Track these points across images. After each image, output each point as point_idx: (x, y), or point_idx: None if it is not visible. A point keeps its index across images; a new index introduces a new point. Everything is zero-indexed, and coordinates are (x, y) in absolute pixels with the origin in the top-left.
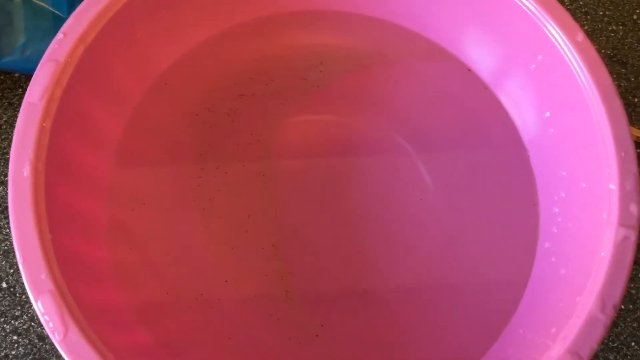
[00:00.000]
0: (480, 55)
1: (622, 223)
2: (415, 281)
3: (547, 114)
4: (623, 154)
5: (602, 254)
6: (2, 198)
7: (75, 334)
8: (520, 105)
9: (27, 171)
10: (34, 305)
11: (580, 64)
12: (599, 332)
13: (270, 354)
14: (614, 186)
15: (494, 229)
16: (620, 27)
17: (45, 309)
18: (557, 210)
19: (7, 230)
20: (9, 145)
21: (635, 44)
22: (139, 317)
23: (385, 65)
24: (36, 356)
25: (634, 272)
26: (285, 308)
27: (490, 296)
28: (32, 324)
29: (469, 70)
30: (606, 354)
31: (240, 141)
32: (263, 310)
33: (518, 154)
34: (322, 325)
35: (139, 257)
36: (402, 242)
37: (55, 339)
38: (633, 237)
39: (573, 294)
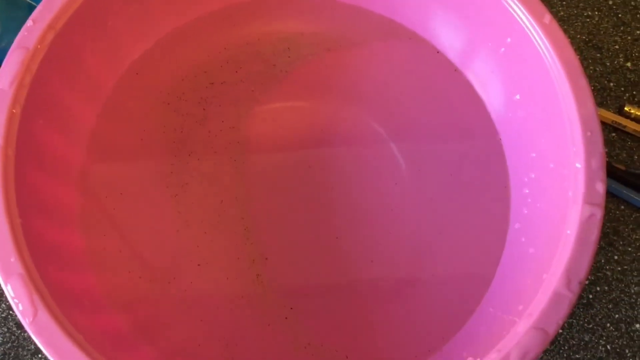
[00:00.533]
0: (449, 37)
1: (588, 201)
2: (388, 266)
3: (517, 97)
4: (589, 133)
5: (568, 232)
6: None
7: (44, 315)
8: (491, 88)
9: None
10: (4, 289)
11: (548, 45)
12: (564, 308)
13: (240, 335)
14: (580, 165)
15: (466, 212)
16: (596, 13)
17: (14, 292)
18: (527, 191)
19: None
20: None
21: (611, 29)
22: (112, 301)
23: (353, 49)
24: (14, 344)
25: (609, 255)
26: (255, 291)
27: (463, 278)
28: (10, 312)
29: (438, 52)
30: (581, 335)
31: (212, 128)
32: (234, 293)
33: (490, 137)
34: (291, 308)
35: (112, 242)
36: (376, 228)
37: (25, 322)
38: (599, 214)
39: (540, 272)
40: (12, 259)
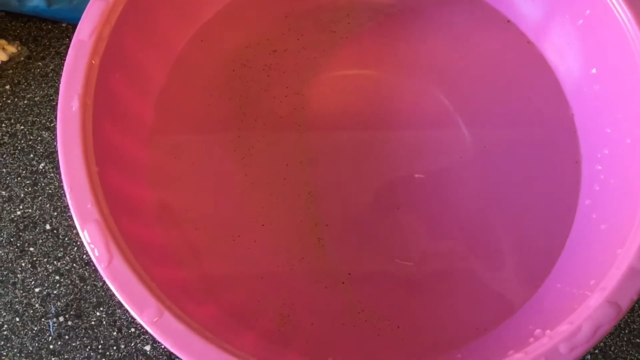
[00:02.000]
0: (523, 7)
1: None
2: (449, 240)
3: (593, 71)
4: None
5: None
6: (47, 144)
7: (119, 262)
8: (566, 61)
9: (75, 105)
10: (80, 234)
11: (630, 18)
12: (639, 283)
13: (297, 295)
14: None
15: (534, 187)
16: None
17: (91, 237)
18: (599, 167)
19: (52, 175)
20: (56, 92)
21: None
22: (177, 255)
23: (412, 14)
24: (77, 296)
25: None
26: (315, 254)
27: (529, 253)
28: (74, 265)
29: (508, 21)
30: None
31: (276, 95)
32: (295, 254)
33: (561, 112)
34: (349, 274)
35: (179, 199)
36: (438, 201)
37: (100, 267)
38: None
39: (613, 248)
40: (89, 206)
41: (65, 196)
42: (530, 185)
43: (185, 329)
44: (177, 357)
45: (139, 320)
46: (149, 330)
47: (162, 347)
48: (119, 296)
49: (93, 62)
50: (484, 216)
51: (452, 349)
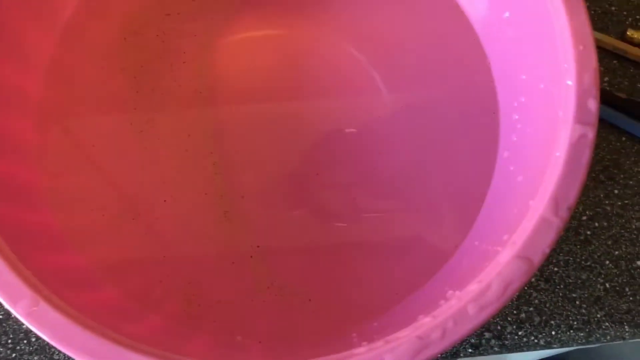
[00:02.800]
0: None
1: (579, 120)
2: (365, 202)
3: (506, 15)
4: (581, 47)
5: (557, 154)
6: None
7: None
8: (478, 7)
9: None
10: None
11: None
12: (551, 235)
13: (204, 272)
14: (571, 82)
15: (453, 142)
16: None
17: None
18: (516, 117)
19: None
20: None
21: None
22: (72, 240)
23: None
24: None
25: (609, 189)
26: (222, 228)
27: (447, 212)
28: None
29: None
30: (578, 273)
31: (173, 62)
32: (200, 229)
33: (478, 60)
34: (258, 247)
35: (72, 179)
36: (356, 162)
37: None
38: (590, 134)
39: (527, 199)
40: None
41: None
42: (450, 141)
43: (64, 318)
44: None
45: (13, 312)
46: (25, 323)
47: None
48: None
49: None
50: (401, 173)
51: (368, 319)
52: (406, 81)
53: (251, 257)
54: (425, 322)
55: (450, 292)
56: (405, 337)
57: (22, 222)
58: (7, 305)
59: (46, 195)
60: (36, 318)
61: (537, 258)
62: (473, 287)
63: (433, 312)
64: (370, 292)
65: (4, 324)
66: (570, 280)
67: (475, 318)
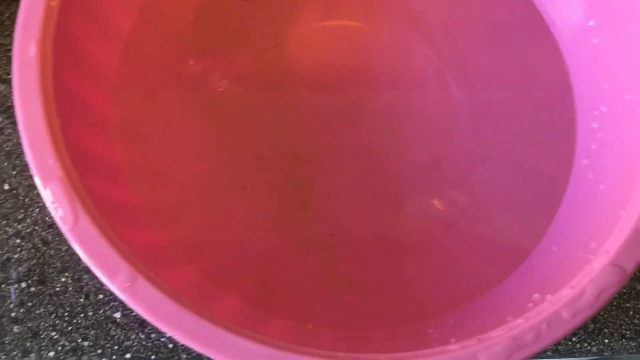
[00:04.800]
0: None
1: None
2: (437, 201)
3: (591, 23)
4: None
5: None
6: (4, 97)
7: (86, 222)
8: (561, 14)
9: (33, 51)
10: (41, 193)
11: None
12: None
13: (278, 260)
14: None
15: (528, 147)
16: None
17: (54, 196)
18: (596, 125)
19: (10, 131)
20: (12, 42)
21: None
22: (150, 217)
23: None
24: (40, 261)
25: None
26: (300, 218)
27: (521, 215)
28: (36, 228)
29: None
30: (634, 284)
31: (254, 46)
32: (278, 218)
33: (556, 66)
34: (334, 239)
35: (152, 158)
36: (426, 159)
37: (65, 228)
38: None
39: (614, 209)
40: (51, 161)
41: (25, 153)
42: (523, 145)
43: (161, 295)
44: (149, 325)
45: (109, 286)
46: (121, 298)
47: (134, 314)
48: (86, 260)
49: (52, 3)
50: (476, 177)
51: (442, 315)
52: (479, 82)
53: (326, 248)
54: (519, 324)
55: (536, 295)
56: (499, 337)
57: (108, 197)
58: (104, 280)
59: (125, 171)
60: (133, 294)
61: (630, 267)
62: (566, 292)
63: (525, 314)
64: (444, 289)
65: (61, 297)
66: (625, 290)
67: (568, 323)
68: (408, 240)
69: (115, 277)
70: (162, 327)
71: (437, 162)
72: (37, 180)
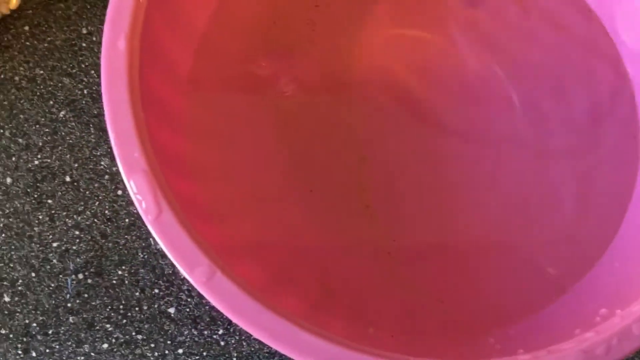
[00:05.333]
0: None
1: None
2: (495, 215)
3: None
4: None
5: None
6: (69, 91)
7: (168, 215)
8: (628, 30)
9: (122, 45)
10: (126, 184)
11: None
12: None
13: (342, 263)
14: None
15: (586, 163)
16: None
17: (137, 188)
18: None
19: (73, 124)
20: (78, 37)
21: None
22: (218, 213)
23: None
24: (98, 253)
25: None
26: (363, 223)
27: (583, 229)
28: (95, 220)
29: (590, 11)
30: None
31: (323, 51)
32: (341, 222)
33: (621, 87)
34: (396, 245)
35: (219, 156)
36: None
37: (147, 219)
38: None
39: None
40: (136, 154)
41: (86, 147)
42: (582, 161)
43: (239, 290)
44: (202, 321)
45: (188, 279)
46: (200, 291)
47: (188, 310)
48: (167, 252)
49: (141, 0)
50: (537, 192)
51: (504, 325)
52: (544, 100)
53: (389, 253)
54: (589, 337)
55: (603, 310)
56: (569, 350)
57: (183, 193)
58: (183, 272)
59: (194, 168)
60: (212, 287)
61: None
62: (636, 308)
63: (595, 328)
64: (505, 299)
65: (117, 289)
66: None
67: (639, 338)
68: (470, 247)
69: (194, 271)
70: (238, 322)
71: (498, 172)
72: (122, 172)
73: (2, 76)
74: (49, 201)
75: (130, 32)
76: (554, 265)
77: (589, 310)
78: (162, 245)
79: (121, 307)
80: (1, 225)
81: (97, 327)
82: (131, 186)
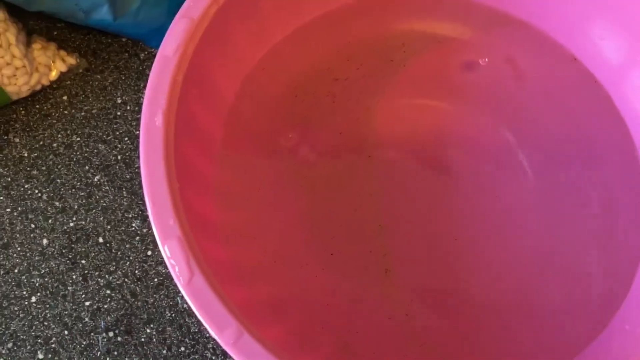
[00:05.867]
0: (594, 47)
1: None
2: (508, 275)
3: None
4: None
5: None
6: (103, 157)
7: (200, 279)
8: (635, 105)
9: (159, 120)
10: (161, 249)
11: None
12: None
13: (360, 323)
14: None
15: (594, 233)
16: None
17: (171, 253)
18: None
19: (107, 188)
20: (113, 106)
21: None
22: (243, 276)
23: (470, 47)
24: (127, 312)
25: None
26: (382, 284)
27: (591, 294)
28: (126, 280)
29: (575, 59)
30: None
31: (341, 121)
32: (361, 283)
33: (626, 150)
34: (414, 306)
35: (246, 222)
36: (501, 238)
37: (180, 283)
38: None
39: None
40: (171, 222)
41: (119, 210)
42: (591, 231)
43: (265, 351)
44: None
45: (217, 339)
46: (228, 352)
47: None
48: (198, 315)
49: (177, 78)
50: (542, 254)
51: None
52: (553, 166)
53: (406, 315)
54: None
55: None
56: None
57: (212, 255)
58: (212, 333)
59: (221, 232)
60: (240, 348)
61: None
62: None
63: None
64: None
65: (145, 347)
66: None
67: None
68: (486, 310)
69: (223, 332)
70: None
71: (512, 235)
72: (158, 238)
73: (41, 143)
74: (83, 261)
75: (167, 108)
76: (566, 327)
77: None
78: (193, 308)
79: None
80: (37, 284)
81: None
82: (166, 251)
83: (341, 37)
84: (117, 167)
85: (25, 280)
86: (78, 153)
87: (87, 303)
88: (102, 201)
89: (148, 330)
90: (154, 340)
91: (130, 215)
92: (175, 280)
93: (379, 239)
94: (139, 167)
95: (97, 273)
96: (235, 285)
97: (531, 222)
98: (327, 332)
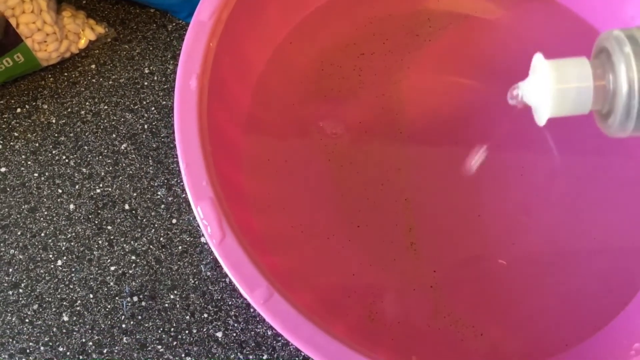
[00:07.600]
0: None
1: None
2: (537, 247)
3: None
4: None
5: None
6: (130, 125)
7: (232, 240)
8: None
9: (194, 84)
10: (194, 210)
11: None
12: None
13: (387, 294)
14: None
15: (621, 208)
16: None
17: (204, 214)
18: None
19: (133, 156)
20: (140, 76)
21: None
22: (272, 244)
23: (493, 24)
24: (152, 278)
25: None
26: (407, 257)
27: (617, 270)
28: (151, 247)
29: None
30: None
31: (369, 96)
32: (387, 255)
33: None
34: (438, 278)
35: (273, 192)
36: (525, 216)
37: (212, 243)
38: None
39: None
40: (204, 183)
41: (145, 178)
42: (616, 206)
43: (294, 311)
44: (248, 346)
45: (248, 299)
46: (259, 310)
47: (234, 334)
48: (230, 274)
49: (211, 44)
50: (570, 230)
51: (543, 358)
52: (579, 145)
53: (431, 286)
54: None
55: (637, 344)
56: None
57: (241, 221)
58: (243, 293)
59: (250, 199)
60: (270, 308)
61: None
62: None
63: None
64: (543, 333)
65: (169, 312)
66: None
67: None
68: (510, 281)
69: (254, 292)
70: (293, 340)
71: (533, 213)
72: (191, 198)
73: (69, 110)
74: (109, 227)
75: (201, 72)
76: (589, 301)
77: (623, 346)
78: (224, 267)
79: (172, 329)
80: (63, 248)
81: (149, 348)
82: (198, 212)
83: (367, 12)
84: (144, 136)
85: (51, 243)
86: (105, 121)
87: (112, 268)
88: (128, 169)
89: (172, 296)
90: (178, 306)
91: (155, 184)
92: (208, 240)
93: (405, 213)
94: (165, 137)
95: (122, 239)
96: (265, 251)
97: (556, 201)
98: (353, 301)
